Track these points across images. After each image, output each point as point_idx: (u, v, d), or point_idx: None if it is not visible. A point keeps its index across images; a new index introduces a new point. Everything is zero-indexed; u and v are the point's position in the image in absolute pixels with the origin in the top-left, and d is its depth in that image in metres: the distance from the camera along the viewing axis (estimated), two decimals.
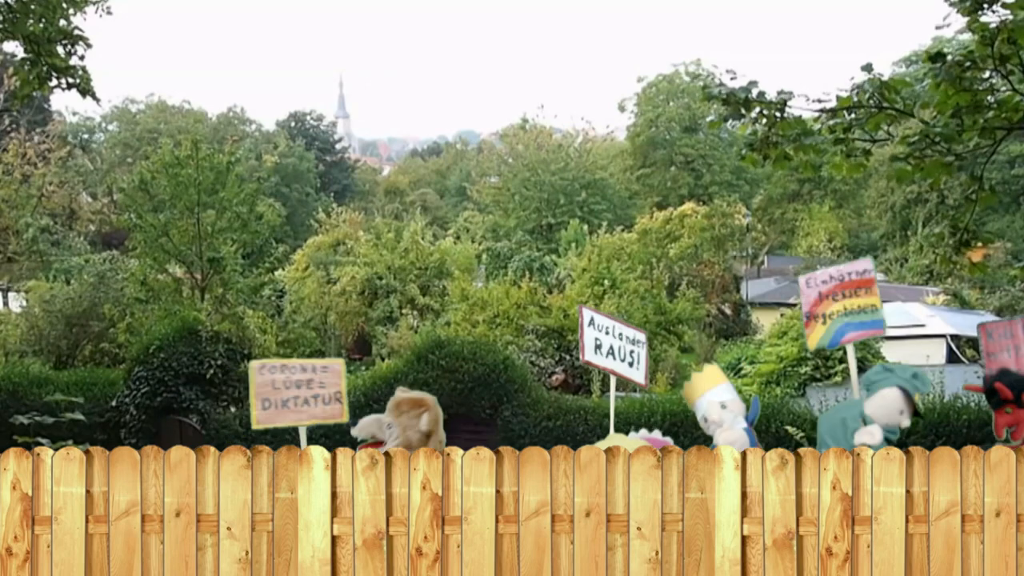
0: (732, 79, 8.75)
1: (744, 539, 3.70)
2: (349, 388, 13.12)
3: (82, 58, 11.53)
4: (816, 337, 5.74)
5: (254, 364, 5.30)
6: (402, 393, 5.02)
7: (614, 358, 5.87)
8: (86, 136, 60.28)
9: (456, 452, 3.77)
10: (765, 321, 30.20)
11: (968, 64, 8.09)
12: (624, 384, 20.29)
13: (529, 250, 39.56)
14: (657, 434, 5.12)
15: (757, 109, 8.69)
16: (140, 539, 3.76)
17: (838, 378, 18.40)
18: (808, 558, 3.71)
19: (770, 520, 3.68)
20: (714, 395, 5.08)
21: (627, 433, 5.24)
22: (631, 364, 5.96)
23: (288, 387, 5.30)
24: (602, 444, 4.25)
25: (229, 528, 3.75)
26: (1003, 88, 8.86)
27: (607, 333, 5.87)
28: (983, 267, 10.43)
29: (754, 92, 8.62)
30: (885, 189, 46.01)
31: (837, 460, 3.70)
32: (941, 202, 38.71)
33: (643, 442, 4.43)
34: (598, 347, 5.83)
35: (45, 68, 11.18)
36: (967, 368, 18.04)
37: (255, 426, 5.37)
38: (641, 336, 6.01)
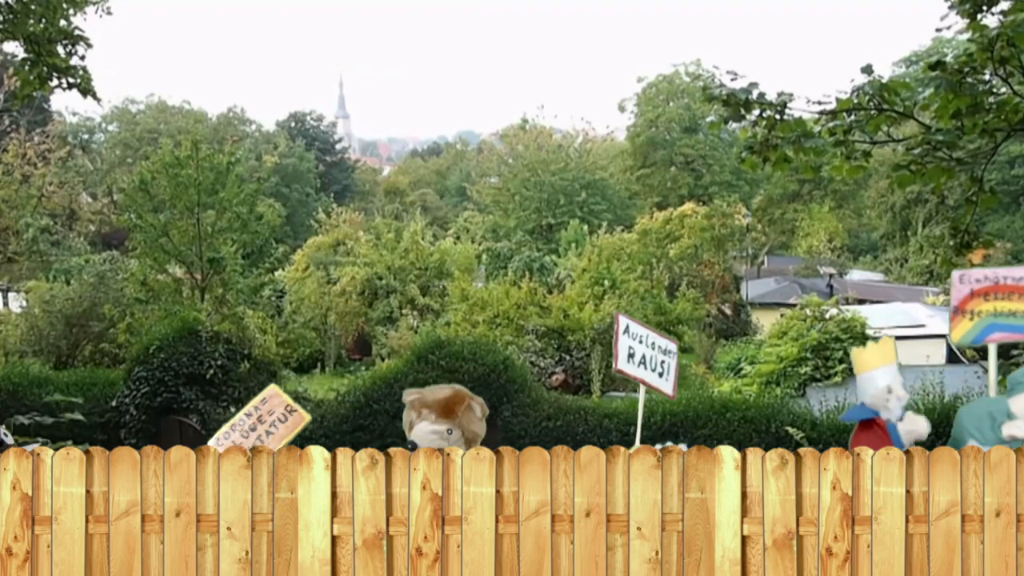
0: (732, 80, 8.76)
1: (744, 539, 3.70)
2: (348, 388, 13.13)
3: (82, 58, 11.54)
4: (961, 331, 5.80)
5: (211, 443, 5.54)
6: (430, 395, 4.97)
7: (645, 367, 5.84)
8: (86, 136, 60.30)
9: (456, 452, 3.77)
10: (765, 321, 30.20)
11: (968, 69, 8.10)
12: (624, 384, 20.17)
13: (529, 250, 39.57)
14: (683, 447, 5.09)
15: (757, 111, 8.69)
16: (140, 539, 3.76)
17: (838, 378, 18.41)
18: (808, 558, 3.71)
19: (770, 520, 3.69)
20: (882, 375, 4.99)
21: (654, 444, 5.21)
22: (661, 374, 5.93)
23: (247, 436, 5.52)
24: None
25: (229, 528, 3.75)
26: (1003, 90, 8.87)
27: (640, 342, 5.83)
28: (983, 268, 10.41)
29: (754, 93, 8.62)
30: (885, 190, 46.03)
31: (837, 460, 3.70)
32: (941, 203, 38.72)
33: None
34: (631, 356, 5.79)
35: (45, 68, 11.19)
36: (967, 368, 18.05)
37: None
38: (672, 347, 5.98)
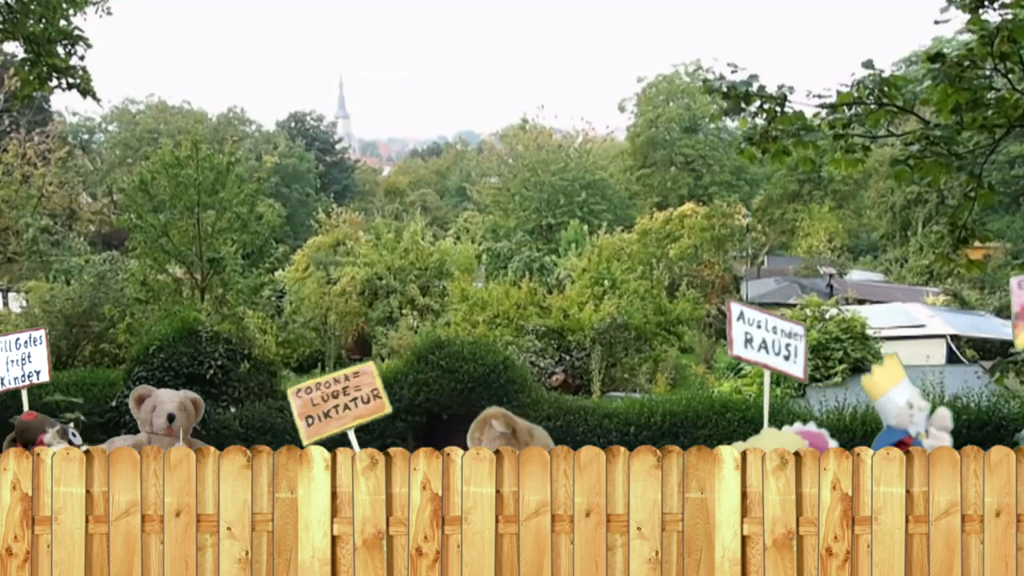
0: (733, 72, 8.75)
1: (744, 539, 3.70)
2: None
3: (82, 58, 11.54)
4: None
5: (290, 391, 5.52)
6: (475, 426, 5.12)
7: (767, 352, 5.82)
8: (86, 136, 60.30)
9: (456, 452, 3.77)
10: None
11: (967, 63, 8.10)
12: (624, 384, 20.22)
13: (529, 250, 39.55)
14: (812, 426, 5.01)
15: (757, 103, 8.68)
16: (140, 539, 3.76)
17: (838, 378, 18.41)
18: (808, 558, 3.71)
19: (770, 520, 3.68)
20: (899, 393, 4.97)
21: (780, 427, 5.17)
22: (787, 358, 5.90)
23: (326, 400, 5.49)
24: (754, 440, 4.22)
25: (229, 528, 3.75)
26: (1003, 86, 8.86)
27: (759, 327, 5.80)
28: (981, 265, 10.42)
29: (754, 86, 8.61)
30: (885, 189, 46.03)
31: (837, 460, 3.70)
32: (941, 202, 38.74)
33: (797, 437, 4.36)
34: (748, 341, 5.77)
35: (45, 68, 11.19)
36: (967, 368, 18.04)
37: (305, 442, 5.55)
38: (799, 329, 5.93)
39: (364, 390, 5.56)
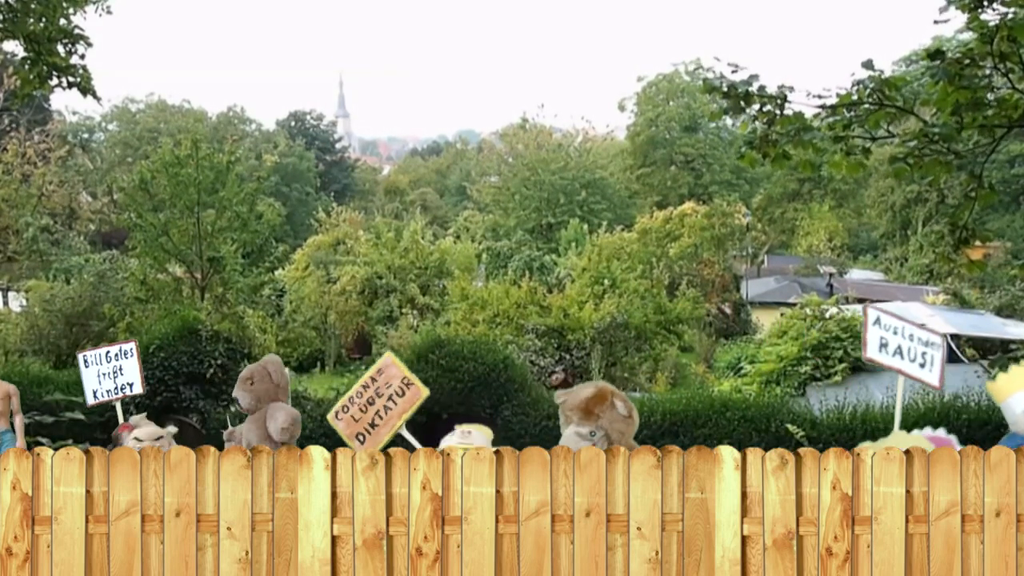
0: (733, 71, 8.73)
1: (744, 539, 3.70)
2: (349, 387, 13.11)
3: (82, 57, 11.53)
4: None
5: (330, 417, 5.53)
6: (573, 397, 4.90)
7: (902, 358, 5.86)
8: (86, 135, 60.27)
9: (456, 452, 3.77)
10: (765, 321, 30.18)
11: (967, 62, 8.09)
12: (624, 384, 20.22)
13: (529, 249, 39.56)
14: (942, 432, 5.03)
15: (757, 104, 8.67)
16: (140, 539, 3.76)
17: (838, 378, 18.40)
18: (808, 558, 3.71)
19: (770, 520, 3.68)
20: (1017, 401, 5.01)
21: (909, 431, 5.19)
22: (922, 365, 5.94)
23: (364, 410, 5.47)
24: (883, 441, 4.22)
25: (229, 528, 3.75)
26: (1003, 86, 8.85)
27: (895, 333, 5.88)
28: (981, 265, 10.41)
29: (755, 86, 8.60)
30: (885, 188, 46.02)
31: (837, 460, 3.70)
32: (941, 201, 38.70)
33: (925, 440, 4.37)
34: (883, 346, 5.83)
35: (45, 67, 11.18)
36: (967, 367, 18.04)
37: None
38: (936, 339, 6.00)
39: (395, 384, 5.52)
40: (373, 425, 5.47)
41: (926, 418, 10.59)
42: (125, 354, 7.75)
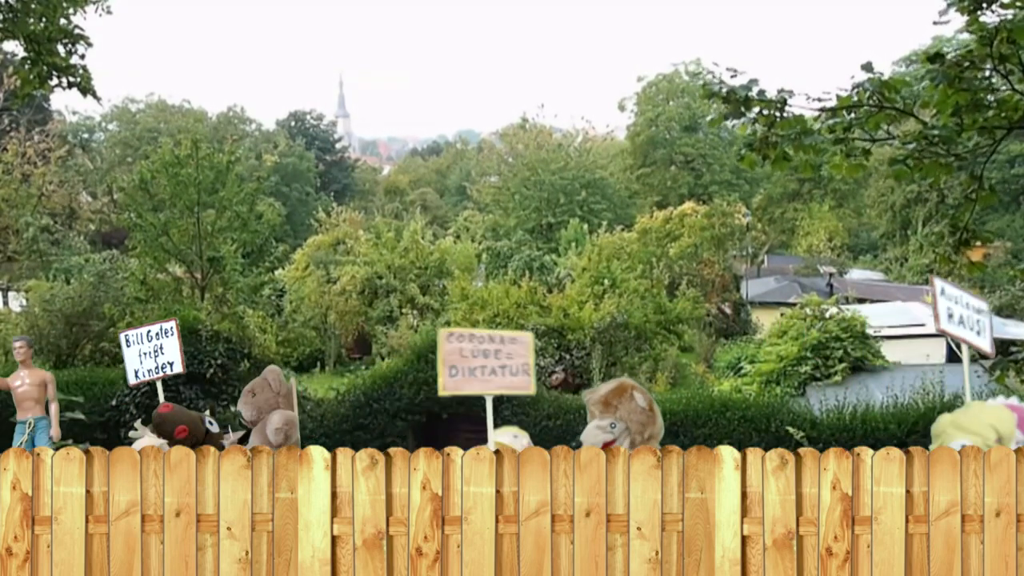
0: (732, 76, 8.73)
1: (744, 539, 3.70)
2: (348, 387, 13.13)
3: (82, 57, 11.53)
4: None
5: (443, 332, 5.34)
6: (595, 393, 4.90)
7: (964, 326, 5.92)
8: (86, 135, 60.26)
9: (456, 452, 3.77)
10: (765, 320, 30.18)
11: (967, 64, 8.09)
12: None
13: (529, 249, 39.54)
14: (1015, 400, 5.02)
15: (757, 108, 8.66)
16: (140, 539, 3.76)
17: (838, 377, 18.40)
18: (808, 558, 3.71)
19: (770, 520, 3.68)
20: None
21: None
22: (978, 332, 6.00)
23: (475, 356, 5.28)
24: (961, 411, 4.22)
25: (229, 528, 3.75)
26: (1003, 87, 8.85)
27: (956, 303, 5.92)
28: (982, 266, 10.41)
29: (754, 90, 8.60)
30: (885, 188, 46.02)
31: (837, 460, 3.70)
32: (941, 201, 38.71)
33: (1006, 409, 4.35)
34: (950, 316, 5.87)
35: (45, 67, 11.19)
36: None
37: (441, 392, 5.30)
38: (984, 305, 6.06)
39: (516, 360, 5.35)
40: (472, 371, 5.31)
41: (926, 418, 10.60)
42: (166, 332, 7.75)
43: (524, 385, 5.34)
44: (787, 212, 52.29)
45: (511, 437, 4.83)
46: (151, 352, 7.71)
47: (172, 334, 7.73)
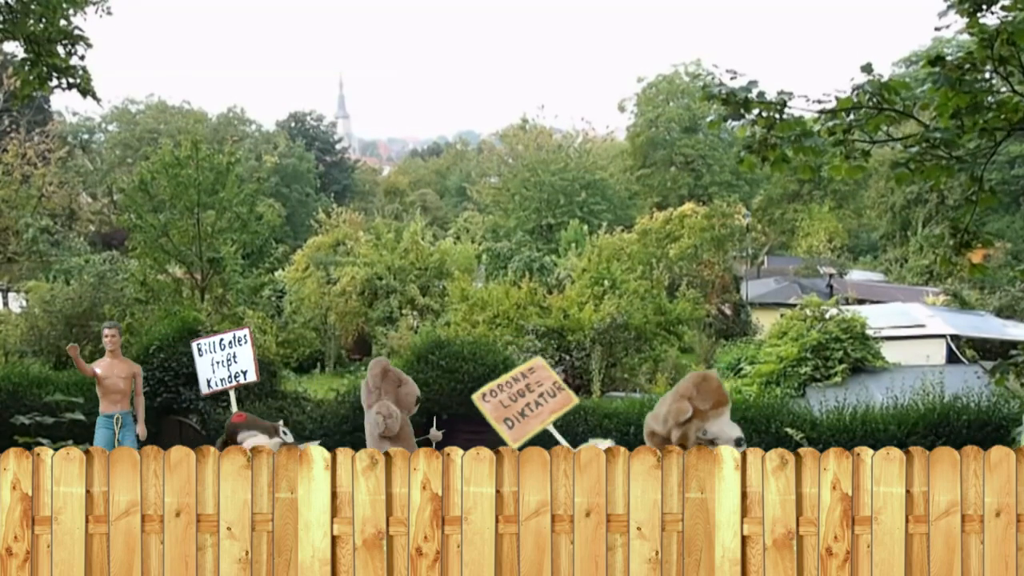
0: (732, 79, 8.74)
1: (744, 539, 3.70)
2: (348, 388, 13.12)
3: (82, 58, 11.54)
4: None
5: (476, 397, 5.59)
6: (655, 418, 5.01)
7: None
8: (86, 136, 60.27)
9: (456, 452, 3.77)
10: (765, 321, 30.19)
11: (968, 66, 8.09)
12: (624, 384, 20.26)
13: (529, 250, 39.52)
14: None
15: (756, 110, 8.67)
16: (140, 539, 3.76)
17: (838, 378, 18.41)
18: (808, 558, 3.71)
19: (770, 520, 3.69)
20: None
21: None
22: None
23: (514, 400, 5.53)
24: None
25: (229, 528, 3.75)
26: (1003, 89, 8.86)
27: None
28: (983, 268, 10.41)
29: (754, 92, 8.60)
30: (885, 189, 46.03)
31: (837, 460, 3.70)
32: (941, 202, 38.72)
33: None
34: None
35: (45, 68, 11.20)
36: (967, 368, 18.04)
37: (513, 446, 5.54)
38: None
39: (546, 384, 5.61)
40: (522, 414, 5.52)
41: (926, 419, 10.60)
42: (239, 341, 7.65)
43: (567, 400, 5.64)
44: (787, 213, 52.30)
45: (606, 444, 4.95)
46: (224, 361, 7.60)
47: (245, 342, 7.62)
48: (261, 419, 6.53)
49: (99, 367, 9.44)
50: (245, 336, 7.68)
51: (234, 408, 7.21)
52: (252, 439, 5.61)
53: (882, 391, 13.74)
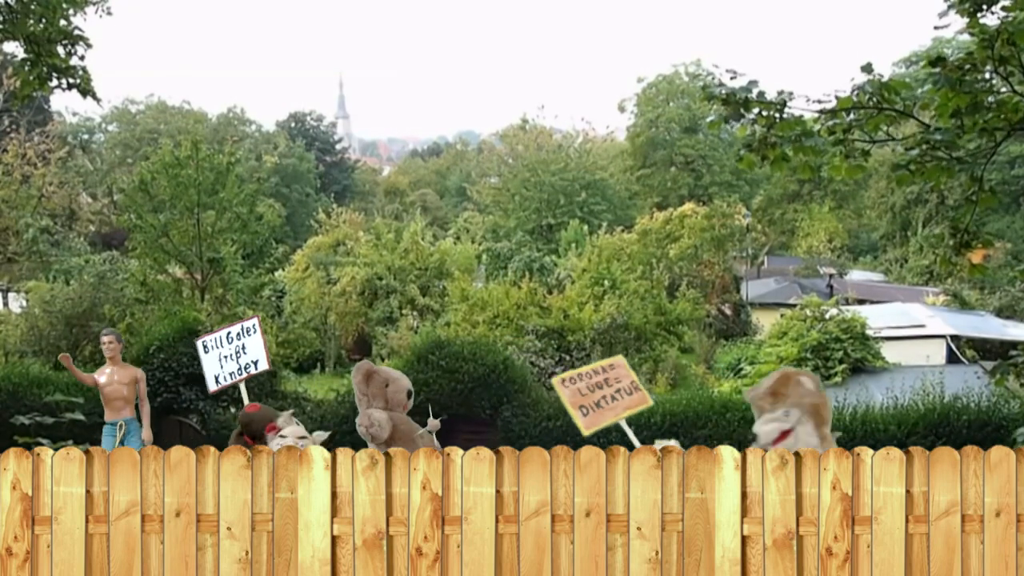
0: (732, 79, 8.74)
1: (744, 539, 3.70)
2: (349, 389, 13.12)
3: (82, 58, 11.54)
4: None
5: (556, 380, 5.64)
6: (758, 390, 4.91)
7: None
8: (86, 136, 60.29)
9: (456, 452, 3.77)
10: (765, 321, 30.19)
11: (968, 66, 8.09)
12: None
13: (529, 250, 39.52)
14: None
15: (756, 109, 8.66)
16: (140, 539, 3.76)
17: (838, 378, 18.42)
18: (808, 558, 3.71)
19: (770, 520, 3.69)
20: None
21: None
22: None
23: (592, 390, 5.62)
24: None
25: (229, 528, 3.75)
26: (1003, 89, 8.86)
27: None
28: (983, 269, 10.41)
29: (754, 92, 8.60)
30: (885, 190, 46.04)
31: (837, 460, 3.70)
32: (941, 203, 38.74)
33: None
34: None
35: (45, 68, 11.20)
36: (967, 368, 18.05)
37: (585, 433, 5.64)
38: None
39: (624, 382, 5.71)
40: (598, 405, 5.62)
41: (926, 419, 10.61)
42: (247, 331, 7.48)
43: (642, 400, 5.71)
44: (787, 213, 52.31)
45: (668, 443, 4.96)
46: (232, 354, 7.40)
47: (255, 331, 7.42)
48: (276, 410, 6.49)
49: (100, 375, 9.38)
50: (254, 325, 7.53)
51: (246, 400, 7.12)
52: (290, 427, 5.59)
53: (882, 391, 13.74)
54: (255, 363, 7.43)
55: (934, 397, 11.46)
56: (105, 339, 9.53)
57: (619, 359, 6.01)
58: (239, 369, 7.44)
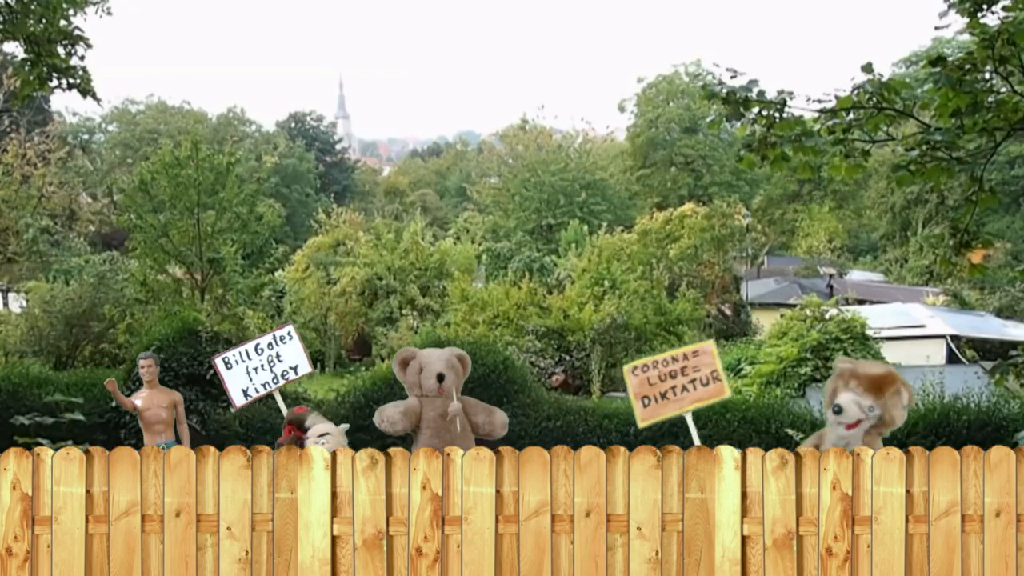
0: (732, 78, 8.73)
1: (744, 539, 3.70)
2: (348, 389, 13.14)
3: (82, 58, 11.54)
4: None
5: (626, 368, 5.52)
6: (863, 368, 4.86)
7: None
8: (86, 137, 60.27)
9: (456, 452, 3.77)
10: (765, 322, 30.18)
11: (968, 66, 8.09)
12: (624, 385, 20.30)
13: (529, 251, 39.52)
14: None
15: (756, 109, 8.66)
16: (140, 539, 3.76)
17: None
18: (808, 558, 3.71)
19: (770, 520, 3.68)
20: None
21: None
22: None
23: (663, 380, 5.44)
24: None
25: (229, 528, 3.75)
26: (1003, 89, 8.86)
27: None
28: (983, 269, 10.40)
29: (754, 91, 8.60)
30: (885, 190, 46.04)
31: (837, 460, 3.70)
32: (941, 203, 38.71)
33: None
34: None
35: (45, 68, 11.19)
36: (967, 368, 18.04)
37: (641, 424, 5.50)
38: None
39: (703, 371, 5.50)
40: (663, 396, 5.45)
41: (926, 419, 10.60)
42: (281, 340, 7.45)
43: (718, 391, 5.54)
44: (787, 213, 52.32)
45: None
46: (265, 364, 7.35)
47: (291, 338, 7.41)
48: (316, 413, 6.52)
49: (138, 399, 9.26)
50: (289, 333, 7.50)
51: (282, 407, 7.14)
52: (321, 425, 5.62)
53: None
54: (294, 368, 7.43)
55: (934, 397, 11.45)
56: (143, 363, 9.41)
57: (708, 344, 5.77)
58: (275, 378, 7.41)
